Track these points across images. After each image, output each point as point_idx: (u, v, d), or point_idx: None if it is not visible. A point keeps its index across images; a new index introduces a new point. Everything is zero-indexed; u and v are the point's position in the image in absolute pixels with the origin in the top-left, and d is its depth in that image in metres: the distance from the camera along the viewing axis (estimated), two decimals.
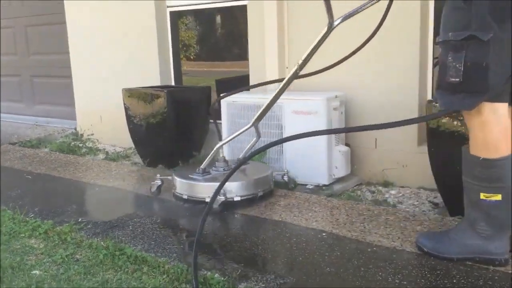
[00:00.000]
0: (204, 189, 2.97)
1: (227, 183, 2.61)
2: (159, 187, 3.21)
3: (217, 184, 2.74)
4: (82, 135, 5.36)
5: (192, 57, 4.95)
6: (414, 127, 3.37)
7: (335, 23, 2.34)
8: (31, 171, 4.00)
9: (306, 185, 3.39)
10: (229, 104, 3.77)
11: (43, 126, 5.90)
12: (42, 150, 4.90)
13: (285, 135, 3.49)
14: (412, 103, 3.34)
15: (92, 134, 5.21)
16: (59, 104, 6.17)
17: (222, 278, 2.04)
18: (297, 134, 2.10)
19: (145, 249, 2.37)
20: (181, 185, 3.08)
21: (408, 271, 2.05)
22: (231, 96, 3.76)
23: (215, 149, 3.04)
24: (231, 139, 3.10)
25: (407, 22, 3.30)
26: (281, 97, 3.57)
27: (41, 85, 6.46)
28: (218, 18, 4.80)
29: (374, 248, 2.28)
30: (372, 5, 2.41)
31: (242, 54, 4.48)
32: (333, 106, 3.36)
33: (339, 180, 3.44)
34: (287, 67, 3.91)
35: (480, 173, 1.99)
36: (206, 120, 4.30)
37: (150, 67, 4.74)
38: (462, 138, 2.59)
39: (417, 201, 3.17)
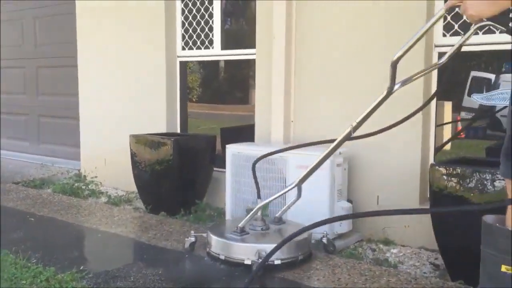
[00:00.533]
0: (243, 250, 2.80)
1: (266, 245, 2.69)
2: (192, 244, 3.07)
3: (257, 245, 2.80)
4: (85, 176, 5.40)
5: (195, 100, 5.07)
6: (416, 186, 3.42)
7: (395, 87, 2.30)
8: (33, 213, 4.01)
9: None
10: (234, 155, 3.83)
11: (47, 166, 5.95)
12: (45, 191, 4.93)
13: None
14: (414, 162, 3.40)
15: (96, 177, 5.25)
16: (64, 144, 6.25)
17: None
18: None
19: None
20: (217, 244, 2.91)
21: None
22: (236, 147, 3.83)
23: (256, 208, 2.91)
24: (272, 200, 2.99)
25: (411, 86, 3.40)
26: (287, 151, 3.67)
27: (48, 125, 6.55)
28: (227, 69, 4.94)
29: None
30: (431, 71, 2.36)
31: (248, 106, 4.60)
32: (337, 162, 3.42)
33: (341, 236, 3.45)
34: (292, 121, 3.99)
35: (505, 244, 1.87)
36: (210, 168, 4.36)
37: (158, 114, 4.84)
38: (466, 203, 2.64)
39: (418, 261, 3.18)
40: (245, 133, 4.36)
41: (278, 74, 3.95)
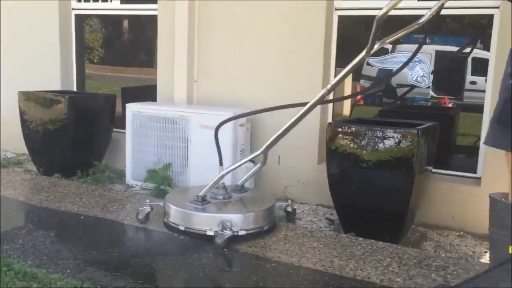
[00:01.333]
0: (206, 220, 2.62)
1: (230, 215, 2.60)
2: (147, 214, 2.82)
3: (220, 215, 2.59)
4: None
5: (96, 61, 4.78)
6: (315, 147, 3.54)
7: (375, 46, 2.20)
8: None
9: None
10: (134, 114, 3.69)
11: None
12: None
13: (190, 149, 3.49)
14: (314, 124, 3.50)
15: None
16: None
17: None
18: None
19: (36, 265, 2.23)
20: (176, 214, 2.70)
21: (305, 286, 2.14)
22: (137, 106, 3.69)
23: (219, 176, 2.74)
24: (236, 167, 2.85)
25: (311, 43, 3.47)
26: (188, 110, 3.60)
27: None
28: (127, 25, 4.69)
29: (273, 264, 2.35)
30: (410, 31, 2.26)
31: (149, 62, 4.42)
32: (240, 122, 3.42)
33: None
34: (195, 81, 3.92)
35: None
36: (109, 128, 4.16)
37: (51, 72, 4.50)
38: (358, 160, 2.78)
39: (315, 217, 3.32)
40: (147, 93, 4.20)
41: (181, 32, 3.82)
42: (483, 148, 3.14)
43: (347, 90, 3.82)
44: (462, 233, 3.14)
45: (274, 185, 3.63)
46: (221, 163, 2.98)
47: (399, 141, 2.68)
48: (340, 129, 2.81)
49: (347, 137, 2.79)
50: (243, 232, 2.59)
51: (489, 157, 3.06)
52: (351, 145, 2.78)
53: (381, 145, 2.72)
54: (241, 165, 2.84)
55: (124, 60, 4.75)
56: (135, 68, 4.68)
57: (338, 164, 2.88)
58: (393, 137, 2.70)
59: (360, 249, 2.55)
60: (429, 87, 3.53)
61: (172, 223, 2.71)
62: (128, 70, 4.74)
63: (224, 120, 3.04)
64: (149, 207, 2.83)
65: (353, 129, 2.78)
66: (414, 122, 2.91)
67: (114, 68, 4.86)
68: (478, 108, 3.24)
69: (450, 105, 3.61)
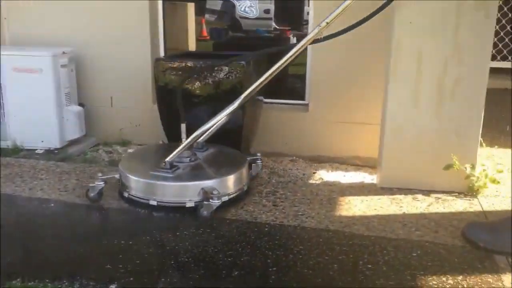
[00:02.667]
0: (183, 191, 2.25)
1: (209, 181, 2.24)
2: (101, 190, 2.33)
3: (200, 182, 2.22)
4: None
5: None
6: (149, 85, 3.38)
7: None
8: None
9: (36, 150, 3.10)
10: None
11: None
12: None
13: (5, 97, 3.10)
14: (145, 62, 3.33)
15: None
16: None
17: None
18: None
19: None
20: (144, 187, 2.27)
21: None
22: None
23: (192, 137, 2.31)
24: (214, 124, 2.35)
25: None
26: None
27: None
28: None
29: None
30: None
31: None
32: (61, 63, 3.11)
33: (73, 142, 3.24)
34: (5, 18, 3.43)
35: None
36: None
37: None
38: (188, 95, 2.71)
39: None
40: None
41: None
42: (309, 76, 3.29)
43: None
44: (294, 157, 3.32)
45: (108, 128, 3.44)
46: (183, 120, 2.50)
47: (227, 74, 2.67)
48: (167, 65, 2.70)
49: (174, 72, 2.69)
50: (225, 198, 2.29)
51: (314, 85, 3.22)
52: (179, 80, 2.69)
53: (210, 78, 2.68)
54: (218, 121, 2.34)
55: None
56: None
57: (168, 101, 2.79)
58: (221, 70, 2.67)
59: None
60: (271, 18, 3.56)
61: (138, 197, 2.27)
62: None
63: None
64: (102, 182, 2.33)
65: (181, 64, 2.69)
66: (244, 54, 2.90)
67: None
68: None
69: (282, 36, 3.71)
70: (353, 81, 3.09)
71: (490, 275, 1.77)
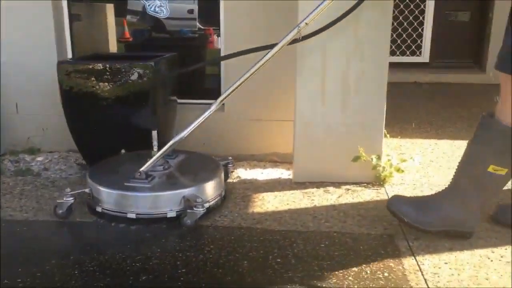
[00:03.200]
0: (164, 201, 2.14)
1: (190, 189, 2.15)
2: (70, 207, 2.17)
3: (182, 190, 2.13)
4: None
5: None
6: (56, 91, 3.23)
7: None
8: None
9: None
10: None
11: None
12: None
13: None
14: (51, 64, 3.18)
15: None
16: None
17: None
18: None
19: None
20: (118, 199, 2.14)
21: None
22: None
23: (169, 145, 2.23)
24: (191, 130, 2.32)
25: None
26: None
27: None
28: None
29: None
30: None
31: None
32: None
33: None
34: None
35: (501, 144, 1.82)
36: None
37: None
38: (95, 99, 2.62)
39: (65, 165, 3.10)
40: None
41: None
42: (224, 75, 3.29)
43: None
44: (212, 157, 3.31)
45: (15, 136, 3.25)
46: (155, 127, 2.43)
47: (136, 75, 2.60)
48: (69, 68, 2.59)
49: (79, 75, 2.59)
50: (206, 205, 2.19)
51: (229, 84, 3.22)
52: (85, 83, 2.60)
53: (117, 80, 2.60)
54: (195, 127, 2.35)
55: None
56: None
57: (74, 105, 2.68)
58: (129, 71, 2.60)
59: None
60: (194, 19, 3.52)
61: (114, 211, 2.14)
62: None
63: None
64: (71, 198, 2.17)
65: (84, 66, 2.59)
66: (156, 55, 2.85)
67: None
68: None
69: (195, 35, 3.68)
70: (269, 79, 3.12)
71: (392, 260, 1.86)
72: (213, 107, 2.30)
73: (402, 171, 2.62)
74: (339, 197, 2.46)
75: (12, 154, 3.22)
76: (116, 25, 4.04)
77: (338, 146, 2.60)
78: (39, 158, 3.16)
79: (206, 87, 3.67)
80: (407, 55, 5.29)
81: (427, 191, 2.44)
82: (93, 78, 2.59)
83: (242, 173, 2.95)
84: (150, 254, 1.88)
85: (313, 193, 2.52)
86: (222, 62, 3.28)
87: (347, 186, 2.59)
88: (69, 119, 2.71)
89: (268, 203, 2.40)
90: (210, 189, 2.27)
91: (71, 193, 2.17)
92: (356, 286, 1.68)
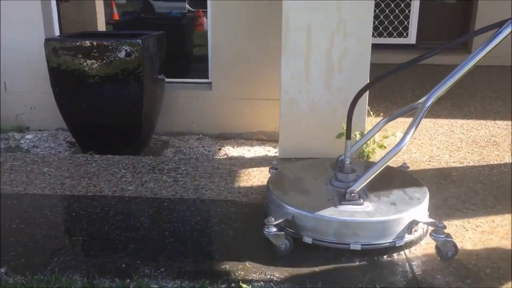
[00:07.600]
0: (391, 226, 1.68)
1: (418, 208, 1.72)
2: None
3: (407, 213, 1.67)
4: None
5: None
6: (44, 68, 3.25)
7: None
8: None
9: None
10: None
11: None
12: None
13: None
14: (39, 43, 3.20)
15: None
16: None
17: None
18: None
19: None
20: (338, 227, 1.67)
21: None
22: None
23: (389, 156, 1.72)
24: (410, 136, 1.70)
25: None
26: None
27: None
28: None
29: None
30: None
31: None
32: None
33: None
34: None
35: None
36: None
37: None
38: (83, 76, 2.65)
39: (54, 142, 3.14)
40: None
41: None
42: (211, 55, 3.33)
43: None
44: (201, 135, 3.36)
45: (3, 114, 3.28)
46: (349, 137, 2.02)
47: (124, 53, 2.64)
48: (57, 44, 2.62)
49: (67, 52, 2.62)
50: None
51: (216, 63, 3.26)
52: (72, 60, 2.63)
53: (105, 58, 2.63)
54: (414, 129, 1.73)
55: None
56: None
57: (62, 82, 2.71)
58: (116, 49, 2.63)
59: (95, 166, 2.51)
60: (184, 0, 3.53)
61: (330, 242, 1.70)
62: None
63: (364, 88, 1.93)
64: (274, 227, 1.67)
65: (72, 43, 2.62)
66: (143, 33, 2.88)
67: None
68: None
69: (196, 17, 3.70)
70: (255, 59, 3.17)
71: None
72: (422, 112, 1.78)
73: (385, 147, 2.69)
74: None
75: (1, 132, 3.25)
76: (105, 7, 4.05)
77: (322, 122, 2.66)
78: (28, 136, 3.19)
79: (194, 66, 3.71)
80: (394, 37, 5.34)
81: None
82: (80, 56, 2.62)
83: (229, 151, 3.01)
84: (139, 225, 1.94)
85: None
86: (210, 43, 3.31)
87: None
88: (58, 96, 2.74)
89: (254, 178, 2.46)
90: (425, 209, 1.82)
91: (274, 223, 1.68)
92: None
